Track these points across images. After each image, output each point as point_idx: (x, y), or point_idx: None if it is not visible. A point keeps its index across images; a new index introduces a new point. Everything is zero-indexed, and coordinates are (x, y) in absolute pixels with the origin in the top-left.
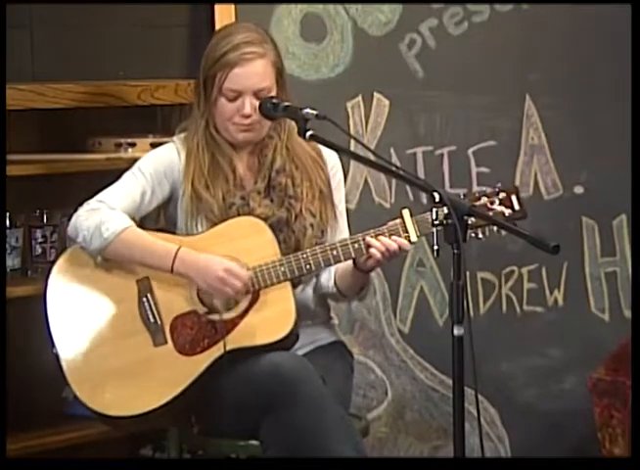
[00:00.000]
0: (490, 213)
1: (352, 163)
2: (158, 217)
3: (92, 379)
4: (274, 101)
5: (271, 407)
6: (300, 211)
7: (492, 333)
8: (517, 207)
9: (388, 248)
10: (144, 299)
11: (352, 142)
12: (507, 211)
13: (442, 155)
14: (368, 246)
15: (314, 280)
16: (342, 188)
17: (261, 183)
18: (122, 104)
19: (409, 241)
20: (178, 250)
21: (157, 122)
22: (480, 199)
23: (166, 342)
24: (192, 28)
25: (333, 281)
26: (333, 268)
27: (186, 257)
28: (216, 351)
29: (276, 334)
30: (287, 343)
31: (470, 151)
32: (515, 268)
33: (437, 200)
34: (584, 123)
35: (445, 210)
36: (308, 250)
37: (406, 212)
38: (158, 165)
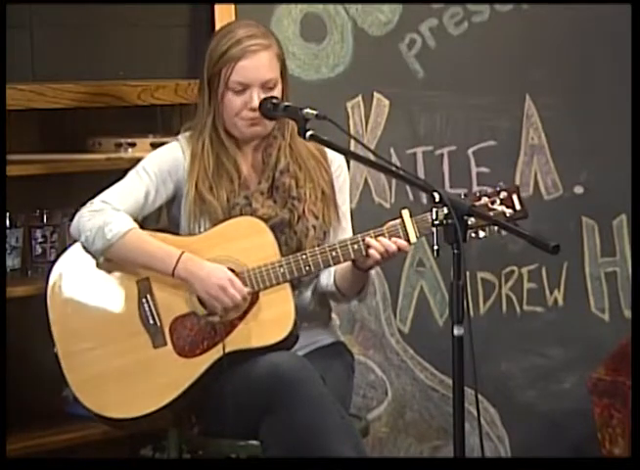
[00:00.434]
0: (491, 213)
1: (352, 163)
2: (158, 217)
3: (91, 380)
4: (274, 101)
5: (271, 407)
6: (303, 212)
7: (492, 333)
8: (518, 206)
9: (387, 249)
10: (144, 300)
11: (352, 142)
12: (508, 211)
13: (442, 155)
14: (367, 246)
15: (313, 282)
16: (346, 189)
17: (265, 183)
18: (122, 104)
19: (409, 242)
20: (181, 255)
21: (157, 122)
22: (480, 199)
23: (166, 343)
24: (192, 28)
25: (332, 280)
26: (332, 269)
27: (188, 262)
28: (216, 352)
29: (275, 336)
30: (286, 344)
31: (470, 151)
32: (515, 268)
33: (437, 200)
34: (584, 123)
35: (445, 210)
36: (308, 251)
37: (406, 213)
38: (162, 165)
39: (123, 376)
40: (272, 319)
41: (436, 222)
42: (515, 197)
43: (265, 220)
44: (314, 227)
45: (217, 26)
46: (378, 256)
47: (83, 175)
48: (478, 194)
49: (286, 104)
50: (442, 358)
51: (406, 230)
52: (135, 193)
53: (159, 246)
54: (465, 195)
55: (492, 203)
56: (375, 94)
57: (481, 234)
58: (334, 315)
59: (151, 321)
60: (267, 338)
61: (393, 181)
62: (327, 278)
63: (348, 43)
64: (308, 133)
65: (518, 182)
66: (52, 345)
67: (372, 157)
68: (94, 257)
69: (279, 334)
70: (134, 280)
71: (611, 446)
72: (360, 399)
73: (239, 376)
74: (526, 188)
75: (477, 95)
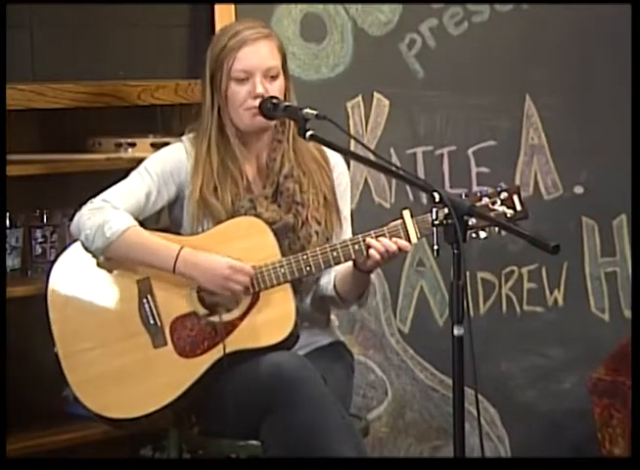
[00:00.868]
0: (492, 214)
1: (352, 163)
2: (158, 218)
3: (92, 380)
4: (274, 101)
5: (272, 407)
6: (307, 218)
7: (492, 333)
8: (518, 207)
9: (387, 249)
10: (144, 300)
11: (352, 142)
12: (509, 212)
13: (442, 155)
14: (368, 247)
15: (314, 288)
16: (347, 194)
17: (269, 188)
18: (122, 104)
19: (409, 242)
20: (180, 250)
21: (157, 122)
22: (481, 199)
23: (166, 343)
24: (192, 28)
25: (332, 285)
26: (333, 272)
27: (188, 257)
28: (216, 353)
29: (276, 336)
30: (287, 344)
31: (470, 151)
32: (515, 268)
33: (437, 200)
34: (584, 123)
35: (445, 210)
36: (309, 251)
37: (407, 213)
38: (165, 166)
39: (124, 376)
40: (273, 319)
41: (436, 222)
42: (515, 197)
43: (269, 224)
44: (317, 233)
45: (217, 26)
46: (378, 256)
47: (83, 175)
48: (478, 194)
49: (286, 104)
50: (442, 358)
51: (407, 230)
52: (136, 193)
53: (158, 242)
54: (466, 195)
55: (493, 203)
56: (375, 94)
57: (482, 234)
58: (333, 317)
59: (151, 321)
60: (268, 338)
61: (393, 181)
62: (327, 282)
63: (348, 43)
64: (308, 133)
65: (518, 182)
66: (52, 345)
67: (372, 157)
68: (94, 255)
69: (280, 334)
70: (134, 280)
71: (611, 446)
72: (360, 399)
73: (239, 376)
74: (526, 188)
75: (477, 95)
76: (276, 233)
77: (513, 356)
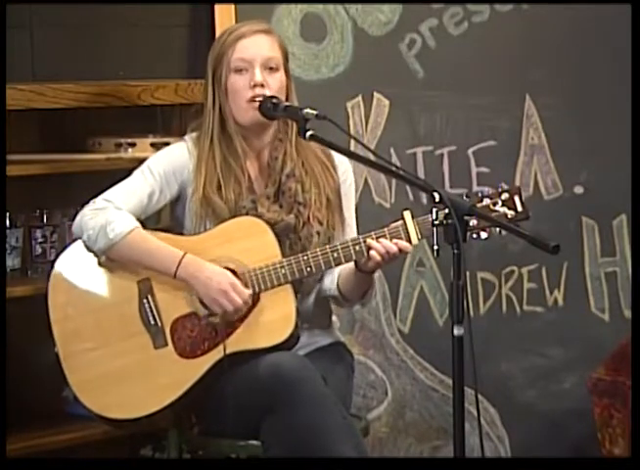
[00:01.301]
0: (493, 215)
1: (352, 163)
2: (159, 217)
3: (92, 381)
4: (274, 101)
5: (272, 407)
6: (308, 218)
7: (492, 333)
8: (519, 208)
9: (388, 250)
10: (144, 300)
11: (352, 142)
12: (510, 213)
13: (442, 155)
14: (369, 248)
15: (316, 287)
16: (352, 195)
17: (271, 188)
18: (122, 104)
19: (410, 243)
20: (183, 256)
21: (157, 122)
22: (482, 200)
23: (167, 344)
24: (192, 28)
25: (336, 284)
26: (336, 272)
27: (190, 264)
28: (216, 353)
29: (276, 337)
30: (287, 345)
31: (470, 151)
32: (515, 268)
33: (437, 200)
34: (584, 123)
35: (445, 210)
36: (309, 252)
37: (407, 214)
38: (167, 165)
39: (124, 376)
40: (273, 320)
41: (437, 222)
42: (516, 198)
43: (271, 225)
44: (318, 233)
45: (217, 26)
46: (378, 257)
47: (83, 175)
48: (479, 195)
49: (286, 104)
50: (442, 358)
51: (408, 231)
52: (139, 193)
53: (161, 246)
54: (467, 196)
55: (494, 204)
56: (375, 94)
57: (483, 235)
58: (334, 318)
59: (152, 322)
60: (268, 339)
61: (393, 181)
62: (330, 282)
63: (348, 43)
64: (308, 133)
65: (518, 182)
66: (52, 345)
67: (372, 157)
68: (96, 255)
69: (280, 335)
70: (135, 280)
71: (611, 446)
72: (360, 399)
73: (240, 376)
74: (526, 188)
75: (477, 95)
76: (277, 234)
77: (513, 356)
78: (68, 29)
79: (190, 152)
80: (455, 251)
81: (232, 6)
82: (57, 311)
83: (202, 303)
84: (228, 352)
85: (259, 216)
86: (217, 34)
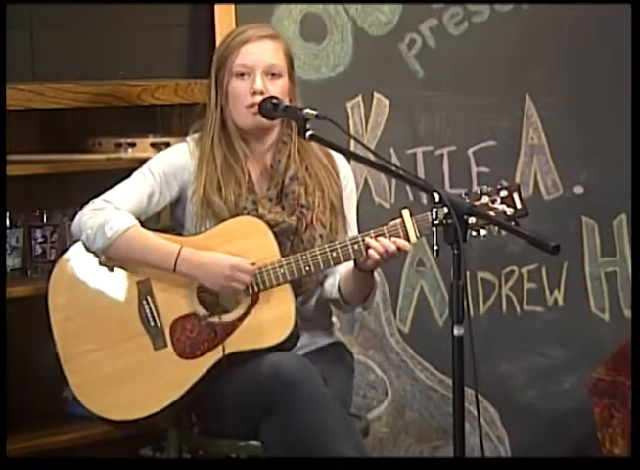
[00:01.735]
0: (492, 212)
1: (352, 163)
2: (158, 218)
3: (92, 382)
4: (274, 101)
5: (272, 407)
6: (312, 221)
7: (492, 333)
8: (519, 205)
9: (386, 249)
10: (144, 301)
11: (352, 142)
12: (509, 210)
13: (442, 155)
14: (367, 247)
15: (317, 291)
16: (353, 198)
17: (274, 190)
18: (122, 104)
19: (409, 241)
20: (180, 249)
21: (157, 122)
22: (481, 198)
23: (166, 345)
24: (192, 28)
25: (337, 287)
26: (337, 275)
27: (189, 256)
28: (216, 354)
29: (276, 337)
30: (287, 345)
31: (470, 151)
32: (515, 268)
33: (437, 200)
34: (584, 123)
35: (445, 209)
36: (308, 251)
37: (406, 213)
38: (168, 167)
39: (124, 378)
40: (272, 320)
41: (436, 222)
42: (515, 195)
43: (272, 227)
44: (321, 237)
45: (217, 26)
46: (377, 256)
47: (83, 175)
48: (478, 193)
49: (286, 104)
50: (442, 358)
51: (406, 230)
52: (138, 193)
53: (159, 242)
54: (466, 194)
55: (493, 201)
56: (375, 94)
57: (482, 232)
58: (334, 319)
59: (151, 323)
60: (268, 339)
61: (393, 181)
62: (331, 284)
63: (348, 43)
64: (308, 133)
65: (518, 182)
66: (52, 345)
67: (372, 157)
68: (95, 255)
69: (279, 335)
70: (135, 281)
71: (611, 446)
72: (360, 399)
73: (240, 376)
74: (527, 188)
75: (477, 95)
76: (277, 234)
77: (513, 356)
78: (69, 29)
79: (191, 153)
80: (455, 251)
81: (232, 6)
82: (57, 313)
83: (202, 303)
84: (227, 352)
85: (260, 217)
86: (219, 35)
